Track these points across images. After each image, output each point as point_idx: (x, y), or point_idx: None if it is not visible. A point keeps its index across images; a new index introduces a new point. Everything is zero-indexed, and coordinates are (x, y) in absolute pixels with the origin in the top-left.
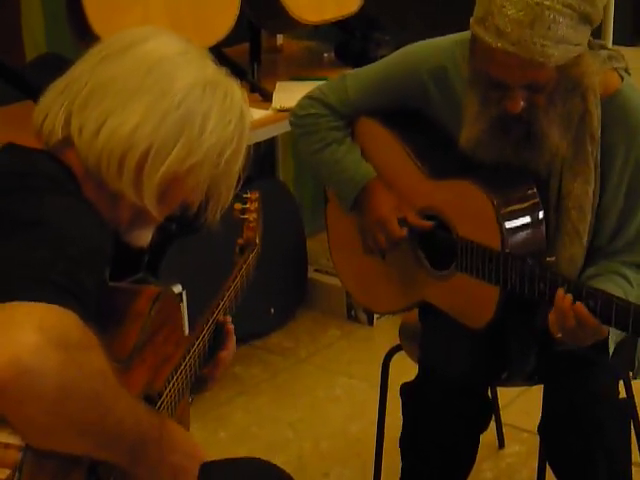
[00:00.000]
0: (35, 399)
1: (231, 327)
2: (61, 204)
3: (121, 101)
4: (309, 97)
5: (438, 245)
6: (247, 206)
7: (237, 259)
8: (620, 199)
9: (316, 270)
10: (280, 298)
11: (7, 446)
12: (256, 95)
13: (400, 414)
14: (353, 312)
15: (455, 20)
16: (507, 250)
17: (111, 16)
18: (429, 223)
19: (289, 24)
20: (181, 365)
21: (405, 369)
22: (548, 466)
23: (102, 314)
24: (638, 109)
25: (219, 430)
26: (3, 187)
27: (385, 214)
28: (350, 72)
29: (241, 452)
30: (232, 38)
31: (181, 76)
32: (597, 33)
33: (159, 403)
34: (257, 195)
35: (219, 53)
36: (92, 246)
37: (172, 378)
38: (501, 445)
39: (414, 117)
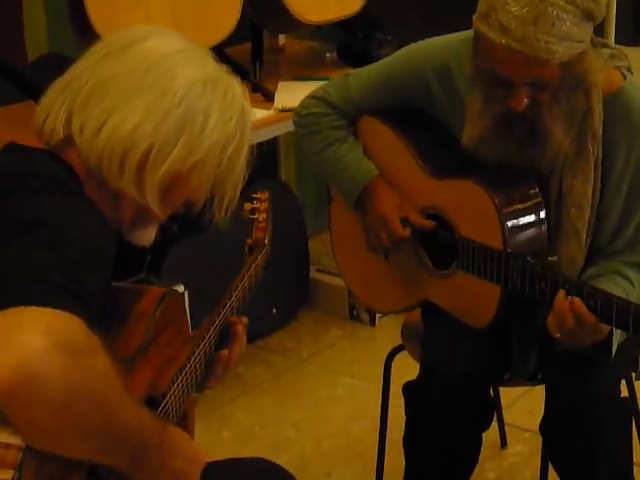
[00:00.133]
0: (41, 403)
1: (240, 329)
2: (62, 204)
3: (122, 100)
4: (312, 96)
5: (440, 244)
6: (257, 206)
7: (246, 259)
8: (621, 198)
9: (318, 270)
10: (282, 298)
11: (8, 446)
12: (258, 95)
13: (402, 414)
14: (355, 312)
15: (455, 20)
16: (509, 249)
17: (113, 16)
18: (430, 223)
19: (291, 24)
20: (186, 366)
21: (407, 369)
22: (551, 466)
23: (105, 314)
24: None
25: (222, 430)
26: (4, 187)
27: (387, 213)
28: (353, 71)
29: (244, 452)
30: (234, 38)
31: (181, 74)
32: (599, 32)
33: (163, 404)
34: (267, 195)
35: (221, 53)
36: (93, 246)
37: (177, 379)
38: (504, 445)
39: (417, 116)
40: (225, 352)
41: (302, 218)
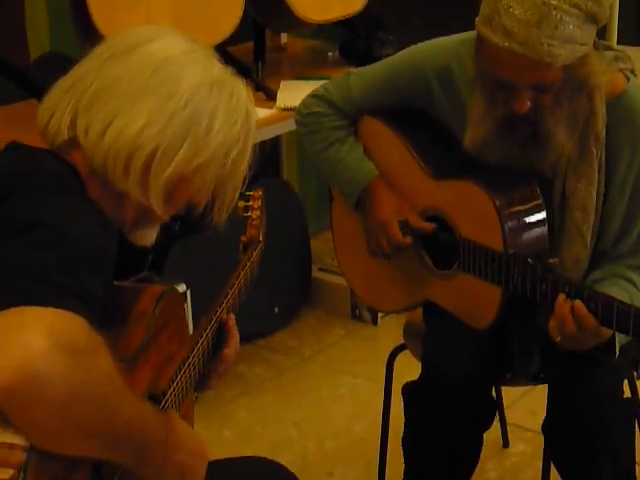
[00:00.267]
0: (43, 403)
1: (233, 323)
2: (63, 204)
3: (127, 101)
4: (313, 95)
5: (441, 245)
6: (250, 204)
7: (241, 257)
8: (624, 201)
9: (320, 269)
10: (284, 297)
11: (12, 446)
12: (260, 94)
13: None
14: (357, 311)
15: (456, 20)
16: (509, 251)
17: (115, 15)
18: (429, 226)
19: (293, 23)
20: (185, 364)
21: (409, 368)
22: (553, 466)
23: (107, 313)
24: None
25: (223, 429)
26: (4, 187)
27: (386, 218)
28: (354, 70)
29: (245, 451)
30: (236, 37)
31: (187, 76)
32: (602, 32)
33: (163, 402)
34: (260, 193)
35: (223, 52)
36: (93, 246)
37: (176, 377)
38: (505, 444)
39: (417, 116)
40: (227, 351)
41: (304, 217)
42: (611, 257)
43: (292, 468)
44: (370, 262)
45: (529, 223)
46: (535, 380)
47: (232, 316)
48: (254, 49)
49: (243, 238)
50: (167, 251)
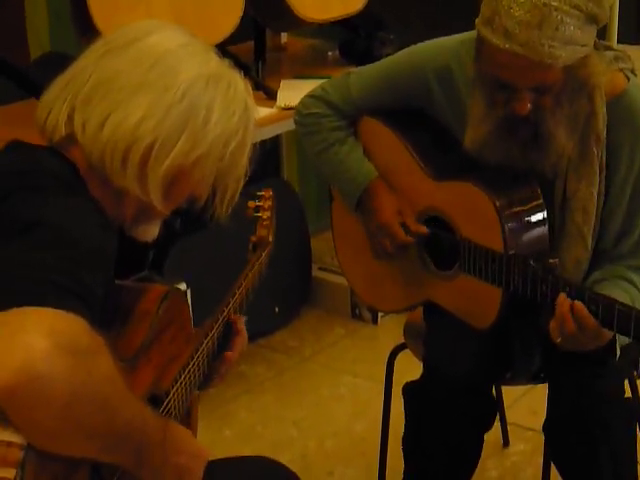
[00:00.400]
0: (44, 404)
1: (242, 327)
2: (63, 204)
3: (125, 95)
4: (311, 96)
5: (442, 246)
6: (261, 204)
7: (250, 257)
8: (625, 201)
9: (320, 268)
10: (284, 297)
11: (10, 444)
12: (260, 93)
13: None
14: (357, 311)
15: (456, 20)
16: (509, 251)
17: (115, 15)
18: (425, 229)
19: (293, 22)
20: (189, 364)
21: (410, 367)
22: (553, 465)
23: (108, 312)
24: None
25: (224, 428)
26: (4, 186)
27: (388, 219)
28: (353, 70)
29: (246, 450)
30: (236, 36)
31: (184, 69)
32: (602, 31)
33: (166, 402)
34: (271, 193)
35: (223, 51)
36: (94, 246)
37: (180, 377)
38: (506, 444)
39: (417, 117)
40: (230, 354)
41: (304, 216)
42: (611, 257)
43: (292, 467)
44: (370, 262)
45: (529, 224)
46: (535, 380)
47: (242, 318)
48: (254, 48)
49: (253, 238)
50: (167, 250)
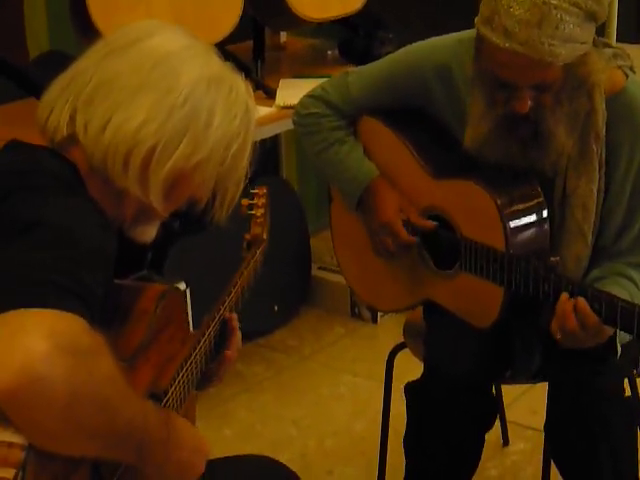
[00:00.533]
0: (45, 406)
1: (236, 324)
2: (63, 204)
3: (127, 97)
4: (310, 96)
5: (443, 245)
6: (254, 202)
7: (244, 255)
8: (625, 198)
9: (320, 268)
10: (284, 296)
11: (10, 445)
12: (260, 92)
13: (404, 412)
14: (357, 310)
15: (455, 20)
16: (511, 250)
17: (114, 14)
18: (431, 223)
19: (293, 22)
20: (187, 363)
21: (409, 367)
22: (553, 464)
23: (107, 312)
24: None
25: (223, 428)
26: (4, 186)
27: (390, 218)
28: (353, 70)
29: (245, 450)
30: (236, 36)
31: (187, 71)
32: (601, 30)
33: (164, 401)
34: (265, 190)
35: (223, 51)
36: (94, 246)
37: (178, 376)
38: (506, 443)
39: (417, 116)
40: (230, 352)
41: (303, 216)
42: (610, 254)
43: (292, 467)
44: (370, 262)
45: (530, 222)
46: (535, 378)
47: (235, 316)
48: (253, 48)
49: (247, 236)
50: (167, 250)
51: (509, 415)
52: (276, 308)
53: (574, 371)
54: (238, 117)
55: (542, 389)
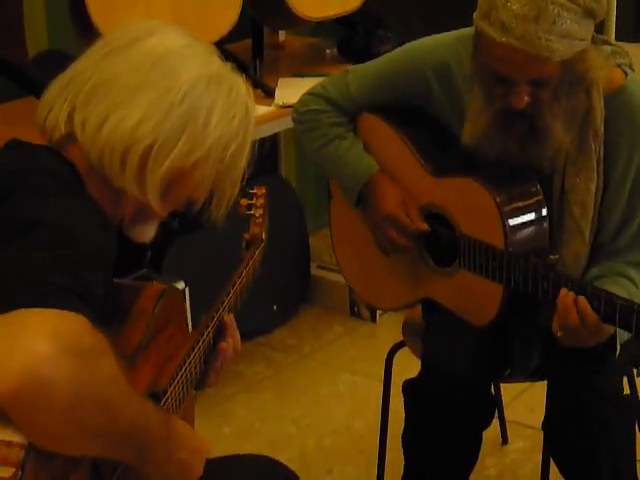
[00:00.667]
0: (48, 407)
1: (230, 318)
2: (63, 204)
3: (125, 96)
4: (310, 93)
5: (442, 242)
6: (253, 202)
7: (243, 255)
8: (624, 196)
9: (319, 267)
10: (283, 295)
11: (10, 444)
12: (259, 91)
13: (403, 410)
14: (356, 308)
15: (455, 19)
16: (510, 248)
17: (114, 13)
18: (425, 225)
19: (291, 20)
20: (186, 362)
21: (408, 365)
22: (552, 462)
23: (107, 311)
24: None
25: (222, 426)
26: (4, 186)
27: (392, 210)
28: (352, 68)
29: (245, 448)
30: (234, 34)
31: (186, 70)
32: (599, 28)
33: (164, 400)
34: (263, 191)
35: (221, 50)
36: (94, 246)
37: (177, 375)
38: (505, 441)
39: (416, 114)
40: (224, 344)
41: (302, 214)
42: (609, 252)
43: (291, 465)
44: (369, 259)
45: (530, 220)
46: (534, 377)
47: (231, 316)
48: (252, 46)
49: (246, 236)
50: (165, 249)
51: (508, 414)
52: (275, 307)
53: (573, 370)
54: (237, 117)
55: (541, 388)
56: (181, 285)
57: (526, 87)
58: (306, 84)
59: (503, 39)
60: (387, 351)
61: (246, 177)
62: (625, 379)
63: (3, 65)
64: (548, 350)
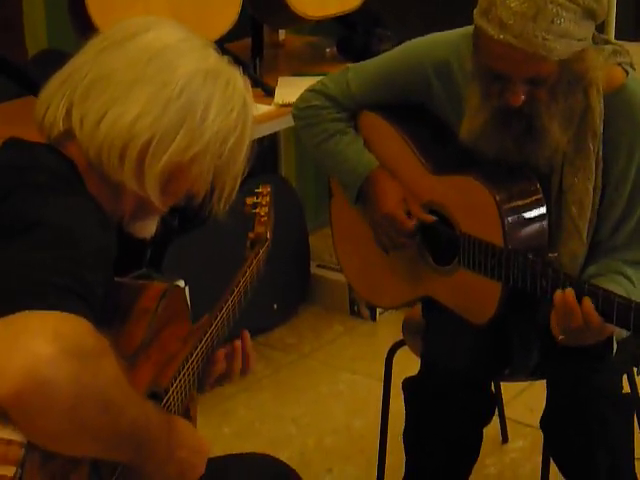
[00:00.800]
0: (50, 409)
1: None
2: (63, 203)
3: (122, 91)
4: (311, 90)
5: (441, 240)
6: (258, 200)
7: (248, 254)
8: (624, 194)
9: (319, 266)
10: (283, 294)
11: (9, 442)
12: (258, 90)
13: (404, 409)
14: (356, 307)
15: (454, 18)
16: (509, 246)
17: (113, 11)
18: (431, 217)
19: (291, 19)
20: (188, 361)
21: (408, 364)
22: (552, 461)
23: (107, 310)
24: None
25: (222, 426)
26: (3, 185)
27: (392, 208)
28: (352, 65)
29: (245, 448)
30: (234, 33)
31: (182, 64)
32: (599, 27)
33: (165, 399)
34: (268, 189)
35: (221, 48)
36: (95, 246)
37: (179, 374)
38: (505, 440)
39: (416, 111)
40: (221, 352)
41: (302, 214)
42: (606, 249)
43: (291, 465)
44: (370, 257)
45: (529, 218)
46: (534, 375)
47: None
48: (252, 45)
49: (251, 235)
50: (165, 247)
51: (508, 412)
52: (275, 306)
53: (572, 368)
54: (235, 111)
55: (541, 387)
56: (181, 283)
57: (523, 85)
58: (306, 83)
59: (501, 36)
60: (387, 350)
61: (246, 171)
62: (625, 378)
63: (3, 64)
64: (546, 348)
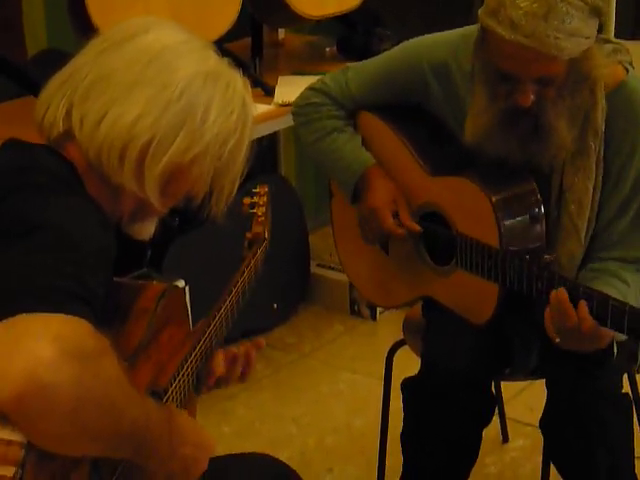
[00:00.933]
0: (51, 411)
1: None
2: (63, 204)
3: (122, 92)
4: (311, 88)
5: (440, 241)
6: (256, 200)
7: (245, 254)
8: (623, 191)
9: (319, 265)
10: (283, 293)
11: (9, 443)
12: (258, 90)
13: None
14: (356, 307)
15: (454, 17)
16: (505, 248)
17: (113, 11)
18: (417, 227)
19: (291, 19)
20: (187, 361)
21: (409, 364)
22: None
23: (107, 311)
24: None
25: (222, 425)
26: (3, 186)
27: (379, 204)
28: (352, 65)
29: (245, 448)
30: (234, 33)
31: (183, 66)
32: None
33: (164, 399)
34: (266, 189)
35: (221, 48)
36: (95, 247)
37: (178, 374)
38: (505, 440)
39: (414, 112)
40: (217, 364)
41: (302, 213)
42: (601, 245)
43: (291, 464)
44: (370, 257)
45: (525, 220)
46: (534, 375)
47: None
48: (252, 45)
49: (248, 235)
50: (165, 248)
51: (509, 412)
52: (275, 306)
53: (571, 369)
54: (235, 113)
55: (541, 386)
56: (181, 284)
57: (532, 85)
58: (306, 82)
59: (512, 37)
60: (387, 350)
61: (245, 173)
62: (625, 377)
63: (3, 64)
64: (546, 349)
